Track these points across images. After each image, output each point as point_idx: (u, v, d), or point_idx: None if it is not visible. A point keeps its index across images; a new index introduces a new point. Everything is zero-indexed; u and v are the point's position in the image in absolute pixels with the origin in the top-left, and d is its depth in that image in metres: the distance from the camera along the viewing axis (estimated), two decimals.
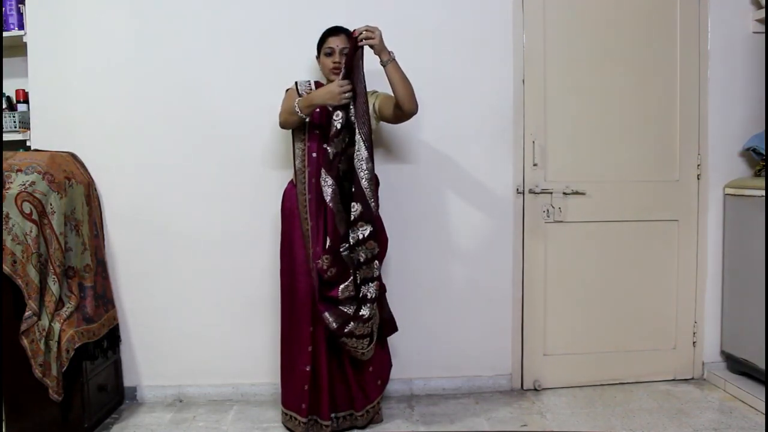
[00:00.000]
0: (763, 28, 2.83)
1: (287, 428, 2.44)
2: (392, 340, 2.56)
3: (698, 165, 2.88)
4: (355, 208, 2.20)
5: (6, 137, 2.65)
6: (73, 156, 2.61)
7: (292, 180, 2.41)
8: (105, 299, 2.59)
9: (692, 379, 2.93)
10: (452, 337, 2.82)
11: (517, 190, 2.79)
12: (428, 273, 2.79)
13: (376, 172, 2.47)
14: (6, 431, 2.25)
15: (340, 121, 2.18)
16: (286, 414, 2.42)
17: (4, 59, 2.69)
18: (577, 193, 2.79)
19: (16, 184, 2.21)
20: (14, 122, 2.66)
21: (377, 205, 2.33)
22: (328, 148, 2.21)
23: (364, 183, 2.20)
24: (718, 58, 2.85)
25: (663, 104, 2.84)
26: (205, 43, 2.67)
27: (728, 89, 2.86)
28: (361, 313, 2.25)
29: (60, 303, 2.31)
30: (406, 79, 2.20)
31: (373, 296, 2.26)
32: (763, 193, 2.61)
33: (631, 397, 2.74)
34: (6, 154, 2.36)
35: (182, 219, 2.71)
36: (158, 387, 2.77)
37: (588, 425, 2.46)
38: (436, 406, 2.68)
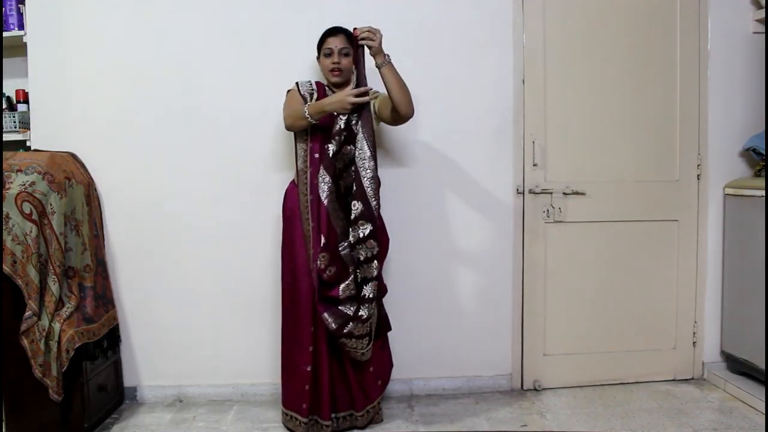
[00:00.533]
0: (763, 28, 2.83)
1: (287, 428, 2.44)
2: (392, 340, 2.56)
3: (698, 165, 2.88)
4: (356, 206, 2.20)
5: (6, 137, 2.65)
6: (73, 156, 2.61)
7: (293, 180, 2.41)
8: (105, 299, 2.59)
9: (692, 379, 2.93)
10: (452, 337, 2.82)
11: (517, 190, 2.79)
12: (428, 273, 2.79)
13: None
14: (6, 431, 2.25)
15: (344, 119, 2.19)
16: (287, 414, 2.42)
17: (4, 59, 2.69)
18: (577, 193, 2.79)
19: (16, 184, 2.21)
20: (14, 122, 2.66)
21: (379, 205, 2.33)
22: (329, 146, 2.22)
23: (365, 182, 2.20)
24: (718, 58, 2.85)
25: (663, 104, 2.83)
26: (206, 42, 2.67)
27: (728, 89, 2.86)
28: (360, 314, 2.25)
29: (60, 303, 2.31)
30: (403, 82, 2.20)
31: (372, 296, 2.26)
32: (763, 193, 2.61)
33: (631, 397, 2.74)
34: (6, 154, 2.36)
35: (182, 219, 2.71)
36: (158, 387, 2.77)
37: (588, 425, 2.46)
38: (436, 406, 2.68)
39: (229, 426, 2.52)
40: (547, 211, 2.80)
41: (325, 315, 2.24)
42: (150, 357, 2.76)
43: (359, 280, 2.26)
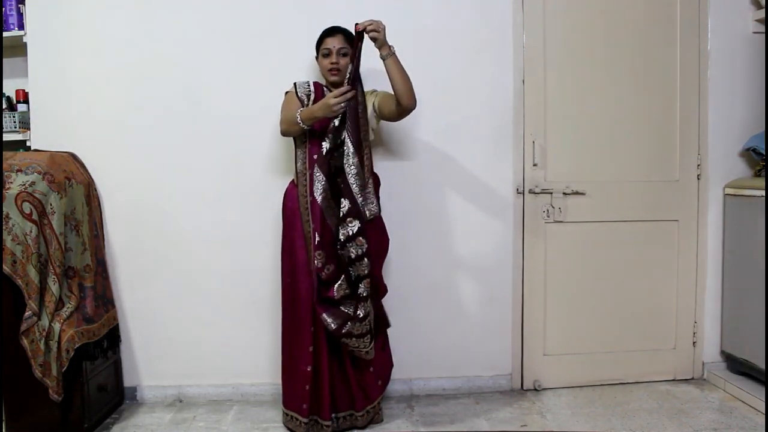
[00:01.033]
0: (763, 28, 2.83)
1: (288, 428, 2.44)
2: (392, 340, 2.56)
3: (698, 165, 2.88)
4: (344, 204, 2.21)
5: (6, 137, 2.65)
6: (73, 156, 2.61)
7: (293, 180, 2.41)
8: (105, 299, 2.59)
9: (692, 379, 2.93)
10: (452, 337, 2.82)
11: (517, 190, 2.79)
12: (428, 273, 2.78)
13: (377, 171, 2.49)
14: (6, 431, 2.25)
15: (339, 118, 2.20)
16: (287, 414, 2.42)
17: (4, 59, 2.69)
18: (577, 193, 2.79)
19: (16, 184, 2.21)
20: (14, 122, 2.66)
21: (378, 206, 2.33)
22: (323, 143, 2.22)
23: (350, 179, 2.21)
24: (718, 58, 2.85)
25: (663, 104, 2.83)
26: (206, 42, 2.67)
27: (728, 89, 2.86)
28: (358, 312, 2.25)
29: (60, 303, 2.31)
30: (406, 73, 2.21)
31: (366, 294, 2.26)
32: (763, 193, 2.61)
33: (631, 397, 2.74)
34: (6, 154, 2.36)
35: (182, 219, 2.71)
36: (158, 387, 2.77)
37: (588, 425, 2.46)
38: (436, 406, 2.68)
39: (229, 426, 2.52)
40: (547, 211, 2.80)
41: (324, 316, 2.24)
42: (150, 357, 2.76)
43: (353, 279, 2.26)
